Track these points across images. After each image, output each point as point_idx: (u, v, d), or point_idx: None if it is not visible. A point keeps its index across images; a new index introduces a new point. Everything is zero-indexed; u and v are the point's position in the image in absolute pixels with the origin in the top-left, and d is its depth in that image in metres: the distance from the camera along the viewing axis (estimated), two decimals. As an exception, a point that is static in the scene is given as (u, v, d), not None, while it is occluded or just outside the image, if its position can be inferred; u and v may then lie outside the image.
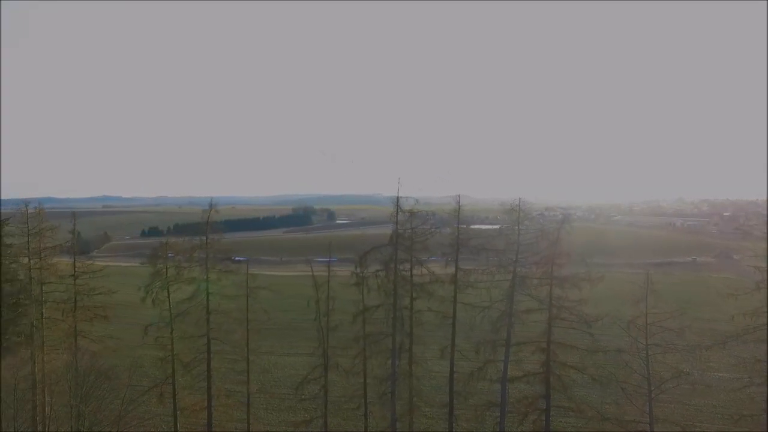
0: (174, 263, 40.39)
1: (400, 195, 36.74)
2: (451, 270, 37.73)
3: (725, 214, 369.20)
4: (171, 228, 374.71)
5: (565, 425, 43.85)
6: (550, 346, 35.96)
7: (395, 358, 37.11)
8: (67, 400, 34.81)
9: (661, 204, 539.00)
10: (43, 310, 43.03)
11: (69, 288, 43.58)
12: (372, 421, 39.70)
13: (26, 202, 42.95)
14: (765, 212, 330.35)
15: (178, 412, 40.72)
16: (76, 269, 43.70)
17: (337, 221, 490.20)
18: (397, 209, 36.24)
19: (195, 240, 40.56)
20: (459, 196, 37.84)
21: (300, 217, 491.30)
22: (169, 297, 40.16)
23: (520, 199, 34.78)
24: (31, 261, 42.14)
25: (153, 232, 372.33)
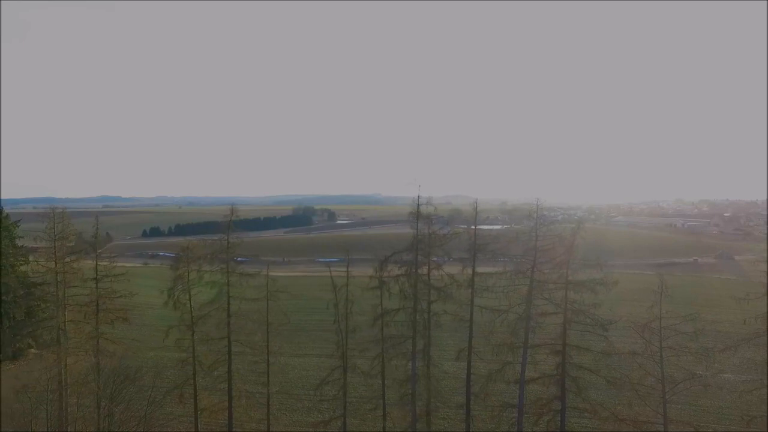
0: (196, 266, 41.11)
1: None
2: (468, 273, 38.48)
3: (726, 214, 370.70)
4: (172, 228, 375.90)
5: (579, 426, 44.57)
6: (565, 348, 36.85)
7: (415, 360, 37.91)
8: (93, 400, 35.66)
9: (660, 204, 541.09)
10: (66, 314, 43.79)
11: (91, 291, 44.26)
12: (389, 421, 40.46)
13: (53, 208, 43.53)
14: (765, 213, 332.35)
15: (198, 413, 41.55)
16: (98, 272, 44.36)
17: (338, 221, 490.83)
18: (418, 214, 36.99)
19: (216, 243, 41.24)
20: (477, 200, 38.61)
21: (300, 217, 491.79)
22: (190, 300, 40.96)
23: (537, 200, 35.41)
24: (58, 265, 42.83)
25: (154, 232, 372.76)
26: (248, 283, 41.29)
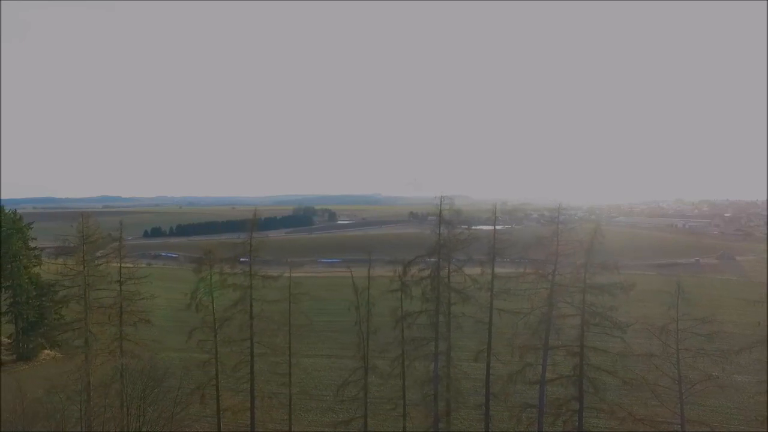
0: (218, 269, 41.82)
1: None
2: (487, 275, 39.29)
3: (726, 215, 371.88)
4: (173, 228, 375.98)
5: (596, 426, 45.23)
6: (583, 350, 37.66)
7: (437, 361, 38.70)
8: (120, 401, 36.38)
9: (660, 205, 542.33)
10: (92, 316, 44.47)
11: (116, 293, 44.96)
12: (409, 422, 41.22)
13: (83, 214, 44.25)
14: (765, 213, 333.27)
15: (221, 413, 42.27)
16: (122, 275, 45.08)
17: (339, 222, 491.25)
18: (440, 219, 37.78)
19: (238, 245, 41.97)
20: (496, 204, 39.37)
21: (301, 217, 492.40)
22: (212, 303, 41.68)
23: (559, 205, 36.15)
24: (86, 269, 43.55)
25: (155, 232, 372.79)
26: (270, 285, 42.07)
